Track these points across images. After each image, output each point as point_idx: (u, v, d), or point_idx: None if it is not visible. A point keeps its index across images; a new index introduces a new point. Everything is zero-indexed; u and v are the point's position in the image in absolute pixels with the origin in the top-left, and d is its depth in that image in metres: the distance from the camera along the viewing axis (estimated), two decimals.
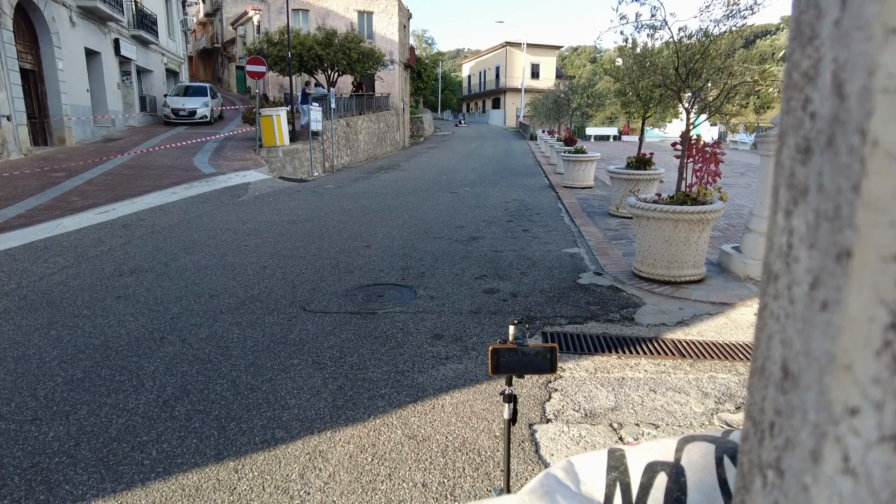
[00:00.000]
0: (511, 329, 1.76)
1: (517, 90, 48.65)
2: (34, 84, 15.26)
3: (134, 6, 21.70)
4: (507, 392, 1.81)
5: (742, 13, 5.69)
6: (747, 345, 4.15)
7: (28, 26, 14.89)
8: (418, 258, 6.60)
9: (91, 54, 18.43)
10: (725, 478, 0.86)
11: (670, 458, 0.93)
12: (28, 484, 2.57)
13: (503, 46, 51.73)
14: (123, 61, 21.41)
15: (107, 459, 2.78)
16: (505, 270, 6.08)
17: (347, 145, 21.03)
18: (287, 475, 2.64)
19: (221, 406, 3.27)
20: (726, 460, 0.87)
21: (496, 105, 55.41)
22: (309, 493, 2.51)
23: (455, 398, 3.34)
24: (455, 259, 6.56)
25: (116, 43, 20.26)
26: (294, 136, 17.36)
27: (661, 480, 0.90)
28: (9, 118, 12.91)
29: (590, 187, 12.92)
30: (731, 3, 5.79)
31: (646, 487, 0.90)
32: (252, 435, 2.97)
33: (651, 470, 0.92)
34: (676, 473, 0.89)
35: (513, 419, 1.84)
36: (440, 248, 7.08)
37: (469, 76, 64.30)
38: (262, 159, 15.22)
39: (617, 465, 0.95)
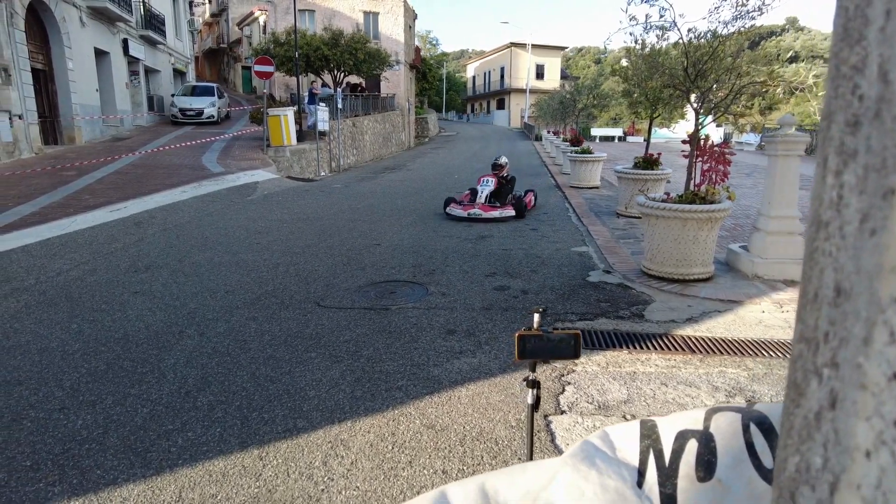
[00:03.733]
0: (535, 317, 1.84)
1: (522, 91, 48.76)
2: (45, 83, 15.41)
3: (142, 7, 21.88)
4: (530, 378, 1.89)
5: (750, 14, 5.76)
6: (756, 341, 4.22)
7: (39, 26, 15.04)
8: (428, 256, 6.68)
9: (100, 54, 18.59)
10: (752, 441, 0.93)
11: (699, 426, 1.00)
12: (61, 469, 2.66)
13: (508, 47, 51.85)
14: (132, 61, 21.58)
15: (135, 446, 2.86)
16: (514, 268, 6.15)
17: (353, 145, 21.14)
18: (310, 462, 2.72)
19: (243, 397, 3.36)
20: (752, 426, 0.95)
21: (501, 106, 55.53)
22: (333, 480, 2.59)
23: (470, 390, 3.42)
24: (464, 257, 6.64)
25: (125, 43, 20.43)
26: (301, 136, 17.48)
27: (692, 446, 0.98)
28: (20, 117, 13.05)
29: (596, 187, 12.99)
30: (740, 4, 5.86)
31: (677, 453, 0.98)
32: (274, 424, 3.06)
33: (682, 437, 1.00)
34: (706, 439, 0.97)
35: (536, 404, 1.93)
36: (449, 247, 7.16)
37: (474, 77, 64.43)
38: (270, 159, 15.34)
39: (649, 433, 1.03)
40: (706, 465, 0.94)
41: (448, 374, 3.64)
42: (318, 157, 16.56)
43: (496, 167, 10.08)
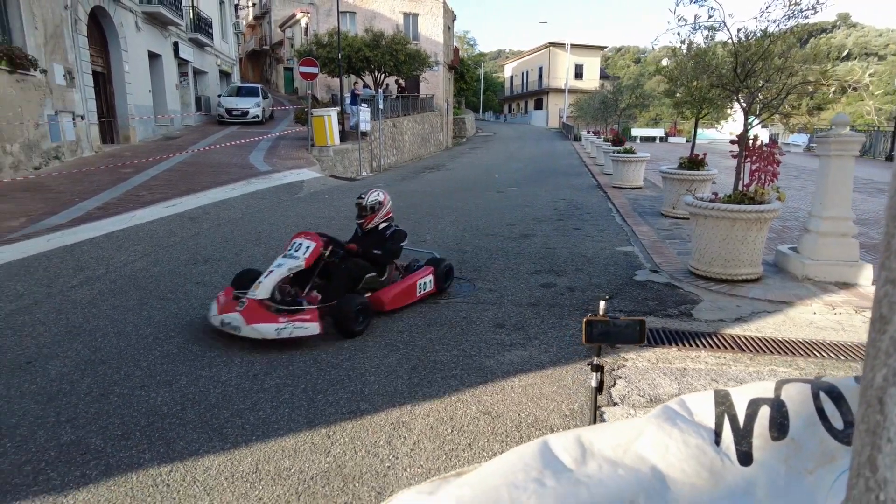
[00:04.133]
0: (602, 304, 1.97)
1: (560, 91, 48.44)
2: (103, 85, 16.14)
3: (192, 11, 22.65)
4: (595, 362, 2.01)
5: (804, 13, 5.69)
6: (807, 342, 4.21)
7: (99, 31, 15.78)
8: (473, 253, 6.82)
9: (153, 57, 19.33)
10: (822, 407, 1.04)
11: (770, 395, 1.11)
12: (148, 439, 2.90)
13: (546, 47, 51.55)
14: (181, 63, 22.36)
15: (211, 423, 3.08)
16: (560, 266, 6.23)
17: (394, 145, 21.44)
18: (375, 441, 2.89)
19: (307, 380, 3.55)
20: (822, 394, 1.06)
21: (538, 106, 55.24)
22: (397, 458, 2.75)
23: (523, 381, 3.54)
24: (509, 255, 6.75)
25: (175, 46, 21.19)
26: (343, 136, 17.83)
27: (765, 411, 1.09)
28: (82, 117, 13.73)
29: (639, 188, 12.90)
30: (792, 3, 5.80)
31: (751, 417, 1.09)
32: (339, 406, 3.24)
33: (754, 404, 1.11)
34: (778, 405, 1.08)
35: (599, 388, 2.04)
36: (493, 245, 7.28)
37: (511, 77, 64.26)
38: (314, 158, 15.72)
39: (723, 401, 1.14)
40: (779, 427, 1.04)
41: (500, 366, 3.77)
42: (359, 156, 16.88)
43: (361, 212, 5.24)
